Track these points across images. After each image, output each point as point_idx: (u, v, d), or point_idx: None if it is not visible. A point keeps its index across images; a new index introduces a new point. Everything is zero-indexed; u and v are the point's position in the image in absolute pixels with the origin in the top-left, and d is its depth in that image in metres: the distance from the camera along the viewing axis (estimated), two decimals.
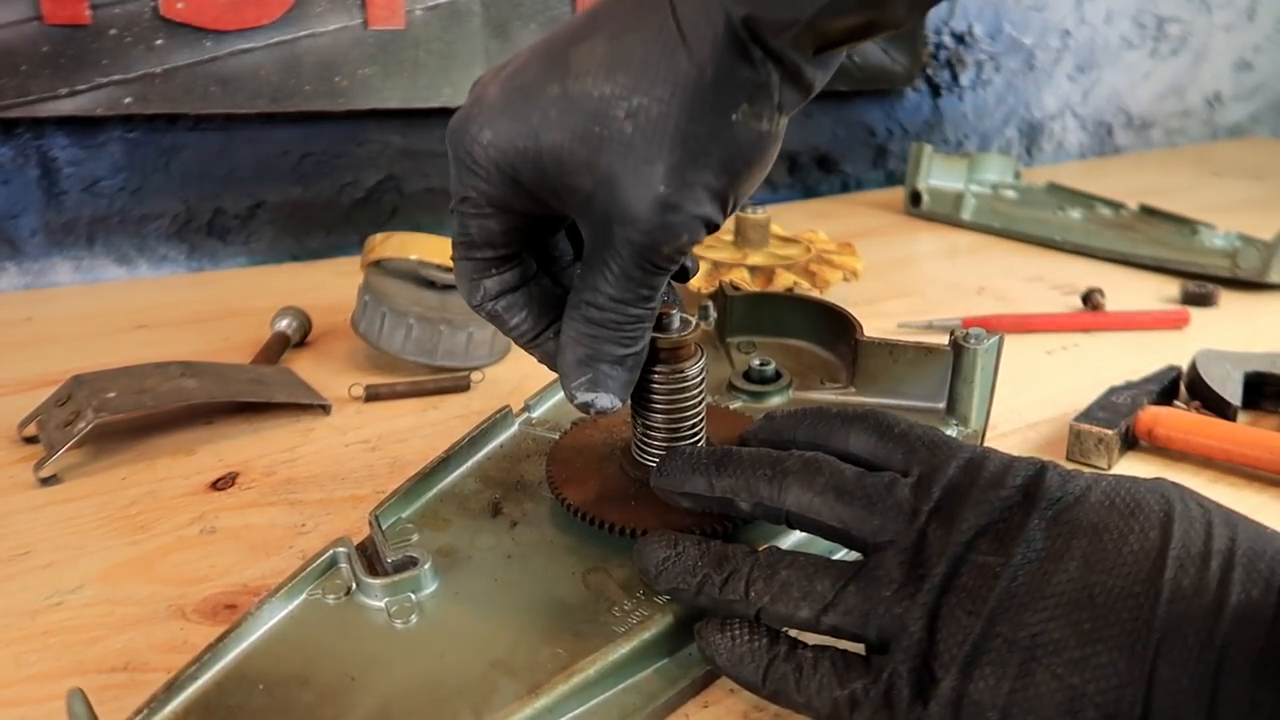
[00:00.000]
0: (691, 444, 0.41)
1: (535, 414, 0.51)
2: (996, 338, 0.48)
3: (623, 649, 0.35)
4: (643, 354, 0.38)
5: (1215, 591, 0.27)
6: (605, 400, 0.37)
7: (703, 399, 0.42)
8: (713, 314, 0.60)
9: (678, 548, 0.36)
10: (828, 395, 0.52)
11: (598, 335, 0.36)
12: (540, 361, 0.41)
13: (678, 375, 0.40)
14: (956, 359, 0.48)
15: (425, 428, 0.58)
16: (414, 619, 0.36)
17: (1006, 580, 0.30)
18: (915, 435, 0.37)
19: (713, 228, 0.35)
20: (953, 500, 0.33)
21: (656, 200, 0.33)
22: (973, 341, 0.48)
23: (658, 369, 0.40)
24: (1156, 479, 0.33)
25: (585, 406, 0.37)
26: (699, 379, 0.41)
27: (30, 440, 0.55)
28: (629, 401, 0.40)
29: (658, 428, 0.41)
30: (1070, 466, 0.34)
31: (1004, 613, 0.29)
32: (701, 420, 0.42)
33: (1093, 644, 0.28)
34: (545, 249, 0.41)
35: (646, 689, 0.35)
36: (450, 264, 0.65)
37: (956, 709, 0.28)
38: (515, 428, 0.49)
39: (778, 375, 0.53)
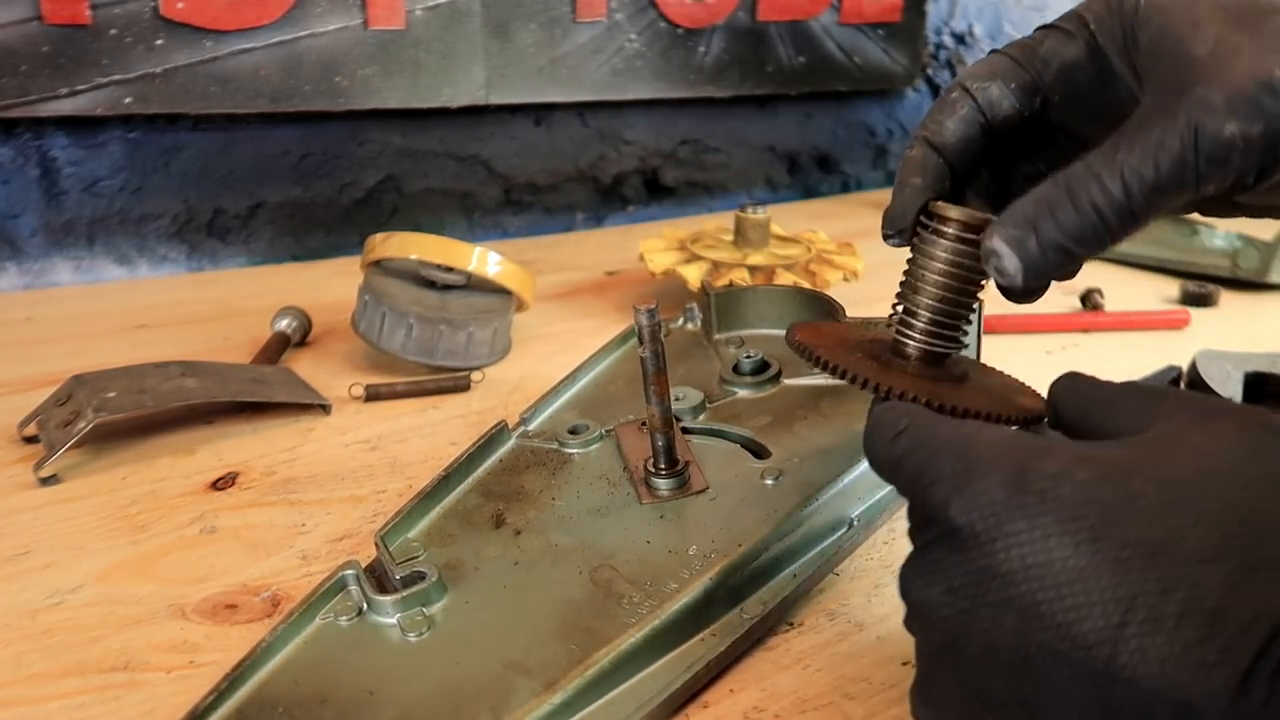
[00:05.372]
0: (956, 331, 0.38)
1: (531, 426, 0.51)
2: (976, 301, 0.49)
3: (635, 638, 0.35)
4: (1082, 257, 0.32)
5: None
6: (1012, 264, 0.32)
7: (981, 291, 0.38)
8: (698, 314, 0.60)
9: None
10: (818, 379, 0.52)
11: (1078, 205, 0.30)
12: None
13: (966, 252, 0.36)
14: None
15: (425, 428, 0.58)
16: (427, 631, 0.37)
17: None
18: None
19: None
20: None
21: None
22: None
23: (946, 240, 0.37)
24: (1245, 430, 0.27)
25: (989, 254, 0.32)
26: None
27: (30, 440, 0.55)
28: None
29: (929, 307, 0.38)
30: None
31: None
32: (974, 314, 0.39)
33: None
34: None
35: (661, 678, 0.35)
36: (450, 264, 0.66)
37: None
38: (512, 441, 0.49)
39: (766, 365, 0.54)
